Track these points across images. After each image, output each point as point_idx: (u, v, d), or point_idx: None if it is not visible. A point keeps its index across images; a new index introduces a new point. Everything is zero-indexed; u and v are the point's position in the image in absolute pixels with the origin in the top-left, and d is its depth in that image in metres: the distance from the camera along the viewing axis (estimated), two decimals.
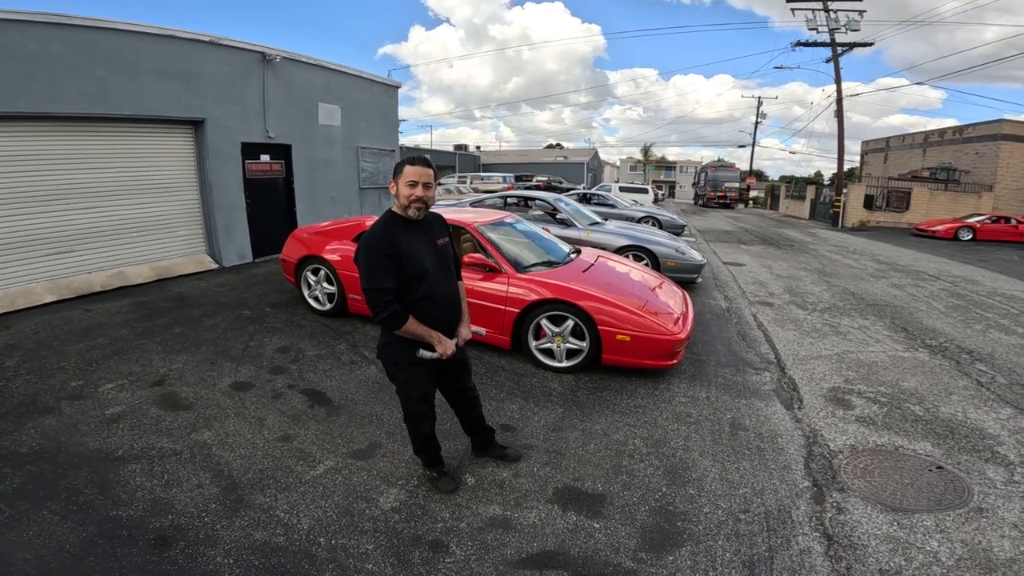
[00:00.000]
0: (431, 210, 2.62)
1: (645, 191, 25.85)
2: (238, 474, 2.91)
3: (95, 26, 6.67)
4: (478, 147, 58.67)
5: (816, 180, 43.55)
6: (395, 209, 2.51)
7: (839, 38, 23.05)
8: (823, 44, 23.52)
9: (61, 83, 6.39)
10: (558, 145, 78.68)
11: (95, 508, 2.59)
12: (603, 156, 67.18)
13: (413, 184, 2.41)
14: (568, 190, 23.51)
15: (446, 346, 2.52)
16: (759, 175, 55.65)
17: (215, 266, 8.32)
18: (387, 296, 2.37)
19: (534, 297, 4.46)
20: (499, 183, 28.71)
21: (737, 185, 40.60)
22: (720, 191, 39.57)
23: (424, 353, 2.51)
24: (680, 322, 4.46)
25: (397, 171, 2.46)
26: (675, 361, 4.35)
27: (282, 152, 9.54)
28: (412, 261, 2.42)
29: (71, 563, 2.24)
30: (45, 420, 3.43)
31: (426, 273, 2.47)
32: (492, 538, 2.50)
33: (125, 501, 2.65)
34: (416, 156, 2.51)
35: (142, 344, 4.84)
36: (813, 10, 22.77)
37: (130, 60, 7.09)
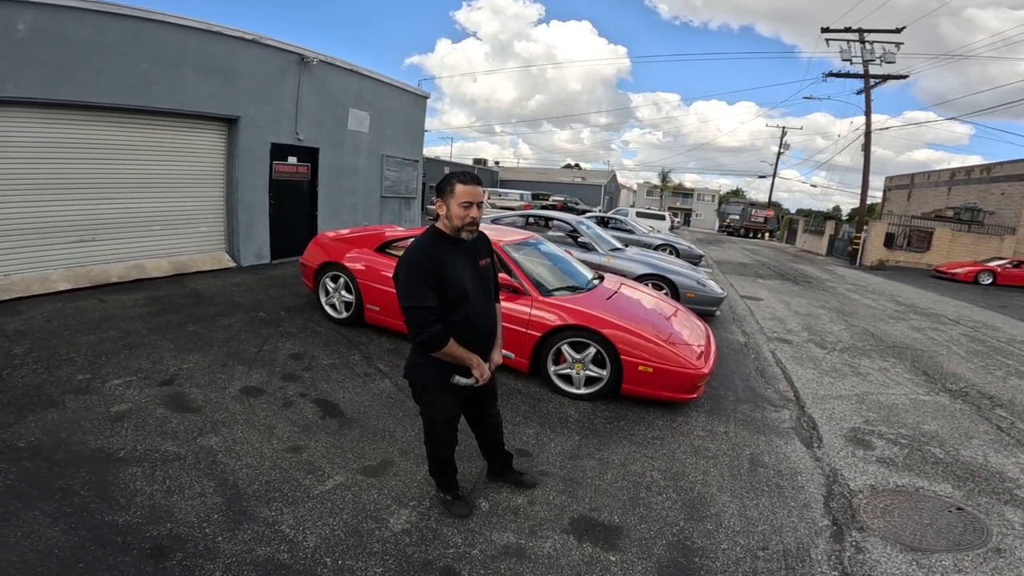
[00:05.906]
0: None
1: (662, 217, 25.78)
2: (244, 484, 2.81)
3: (145, 17, 6.69)
4: (497, 162, 58.84)
5: (834, 215, 44.29)
6: (441, 227, 2.39)
7: (873, 69, 22.69)
8: (856, 75, 23.14)
9: (107, 73, 6.40)
10: (576, 165, 78.77)
11: (90, 511, 2.48)
12: (620, 179, 67.24)
13: (467, 205, 2.29)
14: (584, 212, 23.47)
15: (483, 371, 2.40)
16: (777, 207, 56.25)
17: (232, 265, 8.31)
18: (429, 315, 2.24)
19: (557, 322, 4.35)
20: (516, 200, 28.83)
21: (738, 217, 46.75)
22: (725, 221, 45.47)
23: (459, 379, 2.39)
24: (703, 357, 4.36)
25: (446, 190, 2.31)
26: (696, 395, 4.26)
27: (309, 155, 9.55)
28: (454, 283, 2.30)
29: (59, 569, 2.12)
30: (47, 414, 3.32)
31: (466, 296, 2.35)
32: (505, 567, 2.40)
33: (123, 506, 2.54)
34: (466, 173, 2.38)
35: (154, 340, 4.78)
36: (849, 40, 22.53)
37: (174, 54, 7.12)
